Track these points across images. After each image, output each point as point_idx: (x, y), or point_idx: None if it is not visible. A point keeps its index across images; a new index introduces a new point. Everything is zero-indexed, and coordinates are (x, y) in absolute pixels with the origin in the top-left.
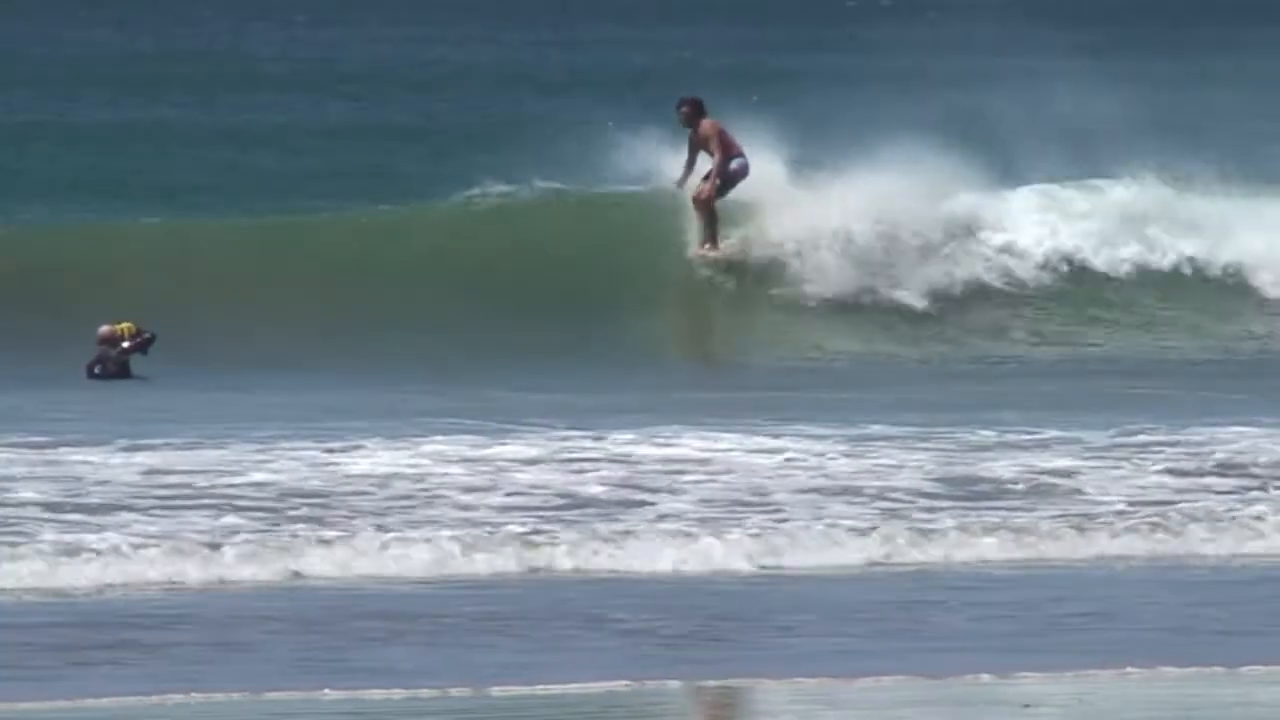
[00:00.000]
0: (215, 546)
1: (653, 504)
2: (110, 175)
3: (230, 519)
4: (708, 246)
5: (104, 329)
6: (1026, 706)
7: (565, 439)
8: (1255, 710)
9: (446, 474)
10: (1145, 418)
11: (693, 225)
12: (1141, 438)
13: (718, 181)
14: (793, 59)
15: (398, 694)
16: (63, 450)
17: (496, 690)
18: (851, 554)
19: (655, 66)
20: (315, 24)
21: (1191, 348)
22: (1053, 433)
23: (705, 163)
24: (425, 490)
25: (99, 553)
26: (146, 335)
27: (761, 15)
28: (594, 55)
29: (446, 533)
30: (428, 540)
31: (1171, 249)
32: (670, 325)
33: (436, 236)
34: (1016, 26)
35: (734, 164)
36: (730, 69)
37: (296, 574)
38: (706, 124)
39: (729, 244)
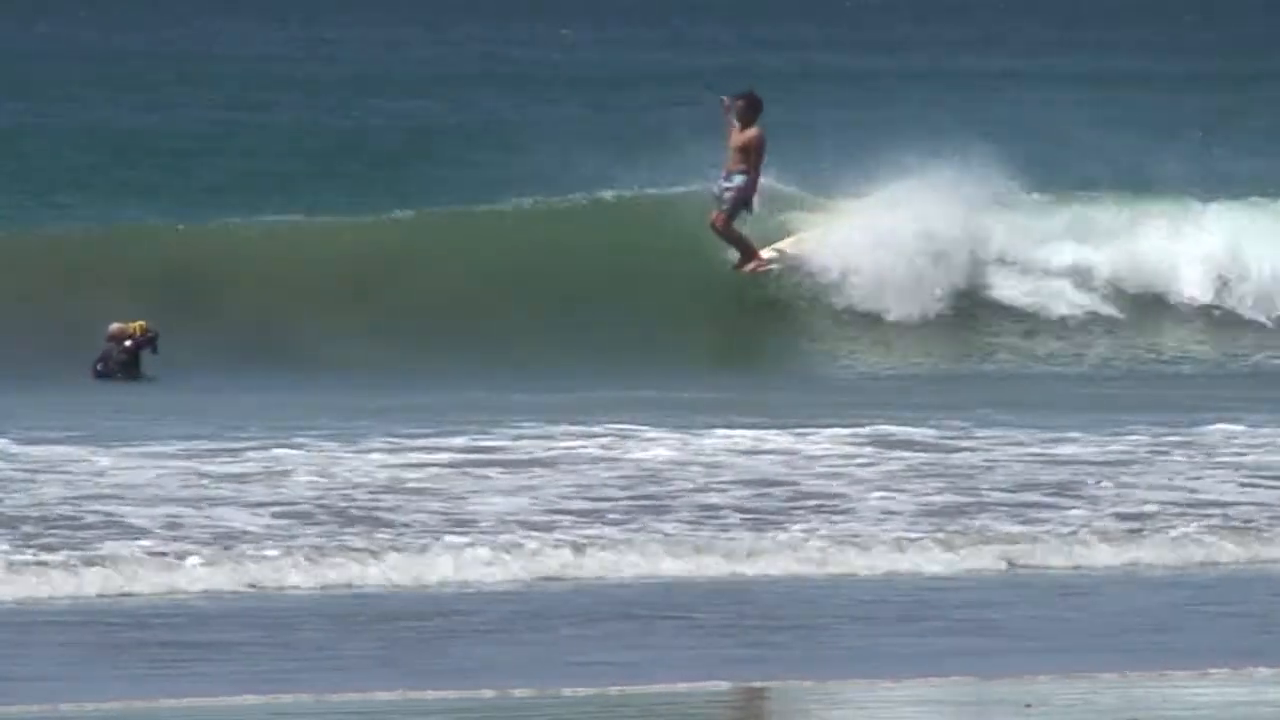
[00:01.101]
0: (258, 550)
1: (705, 504)
2: (117, 176)
3: (275, 521)
4: (751, 264)
5: (114, 326)
6: (1027, 706)
7: (607, 438)
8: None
9: (484, 475)
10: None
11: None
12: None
13: (752, 193)
14: (793, 58)
15: (454, 694)
16: (94, 450)
17: (567, 691)
18: (903, 557)
19: (662, 67)
20: (334, 25)
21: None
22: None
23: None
24: (460, 491)
25: (159, 555)
26: (150, 334)
27: (761, 14)
28: (592, 56)
29: (495, 535)
30: (471, 544)
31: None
32: (706, 328)
33: (451, 238)
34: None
35: (739, 180)
36: (730, 69)
37: (362, 578)
38: (755, 131)
39: (774, 249)
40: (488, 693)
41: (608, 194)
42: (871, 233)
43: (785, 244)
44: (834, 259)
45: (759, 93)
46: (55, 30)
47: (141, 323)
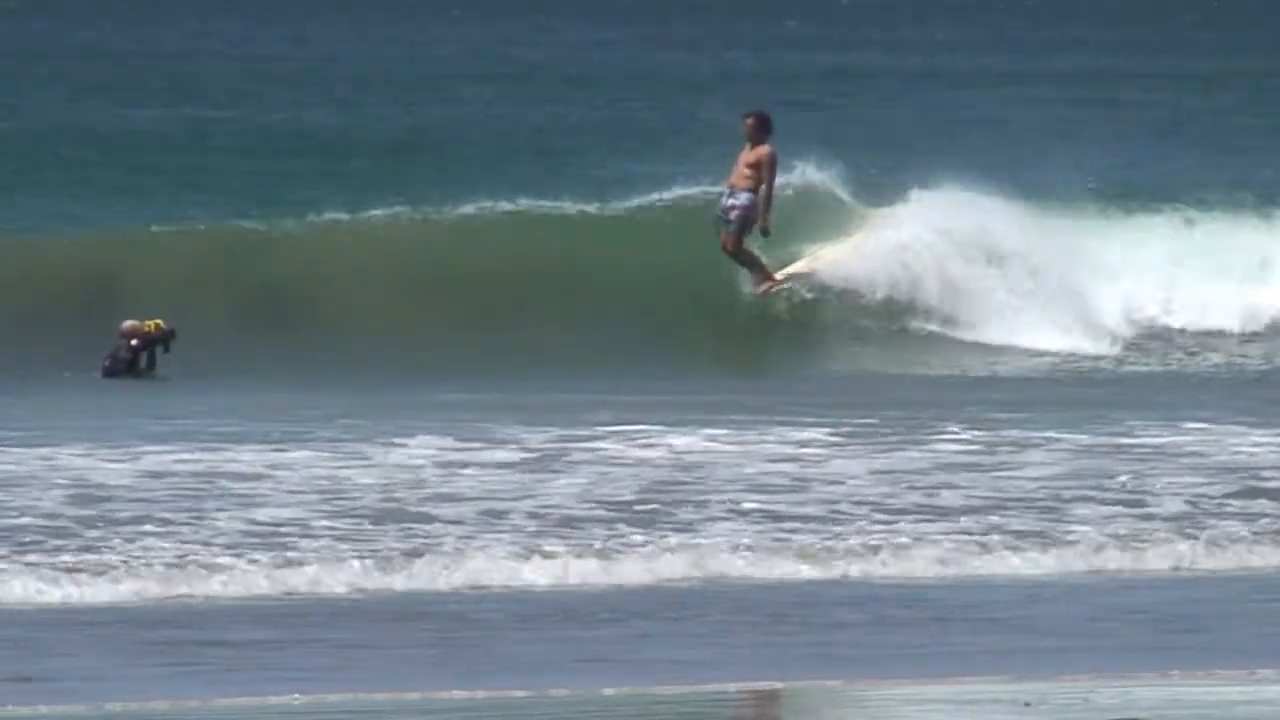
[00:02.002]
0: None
1: (742, 504)
2: (119, 176)
3: (308, 521)
4: (764, 286)
5: (126, 324)
6: (1027, 705)
7: (627, 440)
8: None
9: (512, 476)
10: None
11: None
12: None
13: (769, 215)
14: (789, 58)
15: (484, 694)
16: (116, 451)
17: (608, 691)
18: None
19: (660, 67)
20: (334, 25)
21: None
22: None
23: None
24: (491, 491)
25: (199, 556)
26: (164, 333)
27: (758, 14)
28: (591, 56)
29: (531, 536)
30: (506, 545)
31: None
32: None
33: (455, 241)
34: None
35: (745, 198)
36: (726, 70)
37: (400, 578)
38: (767, 149)
39: (784, 273)
40: (519, 693)
41: (610, 198)
42: (892, 249)
43: (800, 265)
44: (852, 277)
45: (764, 110)
46: (55, 30)
47: (157, 320)
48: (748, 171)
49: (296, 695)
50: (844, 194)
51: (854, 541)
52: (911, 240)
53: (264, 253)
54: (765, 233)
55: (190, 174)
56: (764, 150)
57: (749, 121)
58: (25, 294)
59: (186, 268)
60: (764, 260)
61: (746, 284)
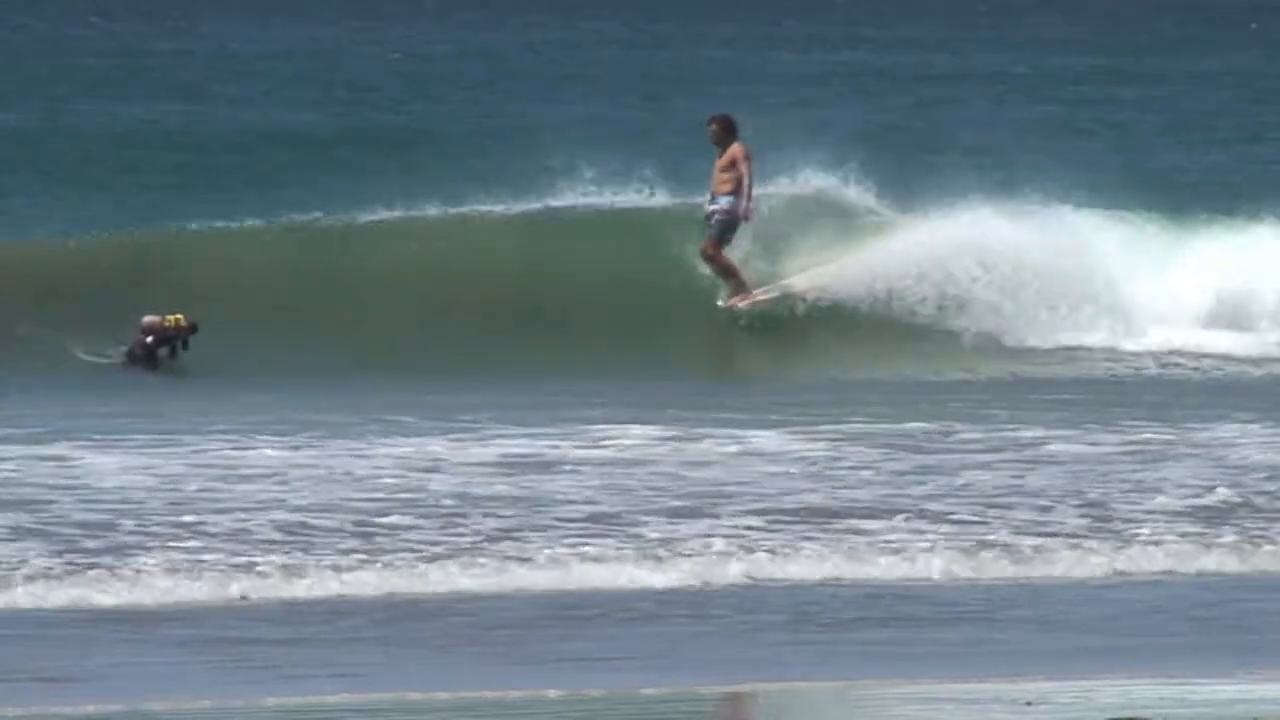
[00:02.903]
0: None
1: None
2: (127, 177)
3: (332, 523)
4: (738, 298)
5: (146, 319)
6: (1027, 705)
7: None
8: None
9: (535, 478)
10: None
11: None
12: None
13: (750, 205)
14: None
15: (517, 694)
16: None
17: (647, 691)
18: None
19: (663, 65)
20: (335, 24)
21: None
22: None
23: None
24: (517, 493)
25: (237, 556)
26: (184, 329)
27: (754, 13)
28: (586, 56)
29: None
30: (540, 547)
31: None
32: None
33: (454, 242)
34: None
35: (724, 202)
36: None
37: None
38: (737, 147)
39: (764, 291)
40: (552, 693)
41: (605, 201)
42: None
43: (784, 283)
44: (838, 292)
45: (726, 113)
46: (61, 29)
47: (178, 316)
48: (724, 176)
49: (343, 694)
50: (844, 199)
51: (856, 542)
52: (907, 251)
53: (262, 253)
54: (745, 218)
55: (186, 173)
56: (736, 149)
57: (713, 128)
58: (24, 294)
59: (186, 268)
60: (742, 275)
61: (720, 294)
